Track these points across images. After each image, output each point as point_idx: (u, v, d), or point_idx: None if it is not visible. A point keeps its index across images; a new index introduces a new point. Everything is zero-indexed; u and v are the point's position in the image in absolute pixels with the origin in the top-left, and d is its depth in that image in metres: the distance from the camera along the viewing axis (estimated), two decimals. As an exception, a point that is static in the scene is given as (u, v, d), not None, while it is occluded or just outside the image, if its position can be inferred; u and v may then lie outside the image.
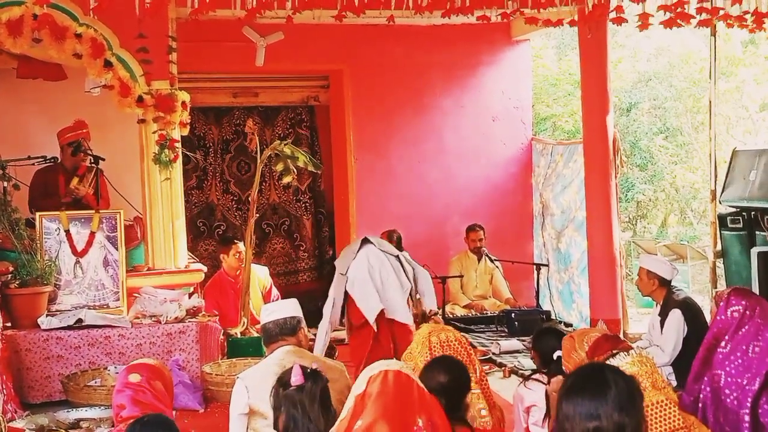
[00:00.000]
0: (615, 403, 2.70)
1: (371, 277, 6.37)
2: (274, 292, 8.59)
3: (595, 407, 2.71)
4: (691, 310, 6.29)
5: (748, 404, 4.22)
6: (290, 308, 4.56)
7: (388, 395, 2.70)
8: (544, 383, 4.42)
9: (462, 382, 3.70)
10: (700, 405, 4.33)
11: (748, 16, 6.00)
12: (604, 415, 2.70)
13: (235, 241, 8.53)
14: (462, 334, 4.33)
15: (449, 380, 3.62)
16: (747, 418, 4.21)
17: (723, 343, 4.32)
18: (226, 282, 8.41)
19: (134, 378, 3.71)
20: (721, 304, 4.35)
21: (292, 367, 3.53)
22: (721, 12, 5.87)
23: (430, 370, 3.72)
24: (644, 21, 5.33)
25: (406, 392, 2.71)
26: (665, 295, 6.49)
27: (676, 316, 6.32)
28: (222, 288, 8.40)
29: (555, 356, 4.41)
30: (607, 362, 3.75)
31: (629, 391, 2.74)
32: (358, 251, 6.49)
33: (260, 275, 8.54)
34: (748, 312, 4.31)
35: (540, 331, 4.98)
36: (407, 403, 2.72)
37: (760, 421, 4.22)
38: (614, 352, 3.92)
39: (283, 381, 3.50)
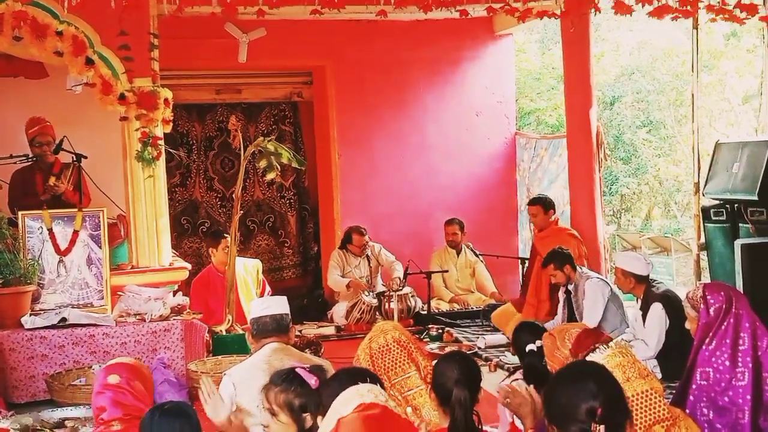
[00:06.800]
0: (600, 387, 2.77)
1: None
2: (267, 288, 8.59)
3: (592, 387, 2.77)
4: (671, 303, 6.33)
5: (740, 401, 4.22)
6: (284, 305, 4.59)
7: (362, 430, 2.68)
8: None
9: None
10: (691, 397, 4.32)
11: (731, 8, 5.98)
12: (601, 392, 2.75)
13: (225, 235, 8.47)
14: (403, 331, 4.30)
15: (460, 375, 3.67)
16: (745, 420, 4.20)
17: (707, 340, 4.33)
18: (215, 277, 8.36)
19: (113, 379, 3.67)
20: (702, 307, 4.37)
21: (288, 376, 3.49)
22: (703, 3, 5.87)
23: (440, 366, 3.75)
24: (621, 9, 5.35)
25: (378, 426, 2.70)
26: (644, 290, 6.58)
27: (657, 309, 6.38)
28: (210, 283, 8.35)
29: (527, 349, 4.46)
30: (589, 356, 3.76)
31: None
32: None
33: (251, 268, 8.50)
34: (725, 306, 4.33)
35: (517, 327, 5.00)
36: None
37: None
38: (595, 346, 3.95)
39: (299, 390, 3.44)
